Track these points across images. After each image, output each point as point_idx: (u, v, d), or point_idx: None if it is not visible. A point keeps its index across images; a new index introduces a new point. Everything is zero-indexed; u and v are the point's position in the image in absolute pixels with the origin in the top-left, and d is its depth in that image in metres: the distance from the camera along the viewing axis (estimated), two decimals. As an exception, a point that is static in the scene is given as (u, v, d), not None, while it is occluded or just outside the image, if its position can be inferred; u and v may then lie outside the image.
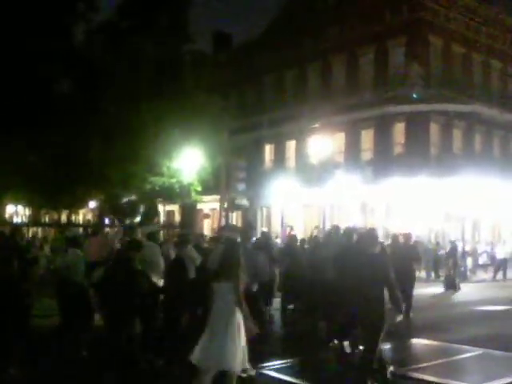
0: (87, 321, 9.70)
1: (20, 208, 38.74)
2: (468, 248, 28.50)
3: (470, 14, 34.74)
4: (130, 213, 12.70)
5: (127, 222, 13.66)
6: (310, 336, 11.25)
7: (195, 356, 7.17)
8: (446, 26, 33.34)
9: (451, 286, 22.04)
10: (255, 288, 9.37)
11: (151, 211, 15.66)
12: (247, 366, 7.53)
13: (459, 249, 25.03)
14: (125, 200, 14.22)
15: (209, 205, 36.47)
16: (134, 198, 15.52)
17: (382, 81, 33.16)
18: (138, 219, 13.66)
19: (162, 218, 29.13)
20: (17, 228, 12.93)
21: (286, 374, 8.95)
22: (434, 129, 32.32)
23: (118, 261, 8.85)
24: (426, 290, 20.60)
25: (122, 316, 8.27)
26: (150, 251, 10.02)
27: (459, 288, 22.07)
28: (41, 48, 22.20)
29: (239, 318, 7.27)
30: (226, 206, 29.17)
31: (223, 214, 29.21)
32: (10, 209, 38.00)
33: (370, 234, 9.00)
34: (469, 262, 27.67)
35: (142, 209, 12.75)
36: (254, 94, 41.43)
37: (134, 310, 8.51)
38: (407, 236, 14.88)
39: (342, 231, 12.02)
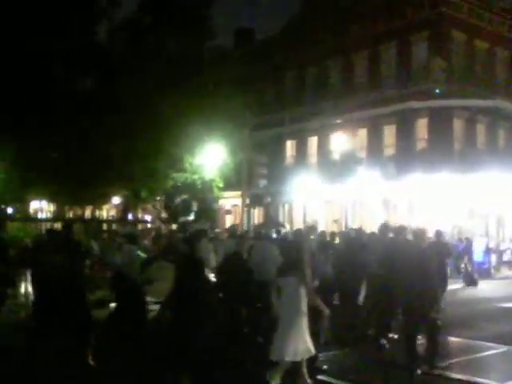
0: (140, 315, 9.99)
1: (44, 204, 39.16)
2: (492, 244, 28.24)
3: (492, 8, 34.40)
4: (184, 211, 13.00)
5: (181, 220, 14.04)
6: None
7: (274, 353, 7.68)
8: (468, 21, 33.01)
9: (471, 282, 21.93)
10: (315, 284, 9.47)
11: (203, 210, 16.09)
12: (313, 352, 7.92)
13: (484, 245, 24.83)
14: (178, 199, 14.70)
15: (230, 201, 36.54)
16: (186, 197, 16.00)
17: (404, 76, 32.94)
18: (191, 217, 14.14)
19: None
20: (71, 224, 13.31)
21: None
22: (457, 124, 32.06)
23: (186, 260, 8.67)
24: (448, 286, 20.45)
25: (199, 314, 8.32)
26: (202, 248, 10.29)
27: (476, 284, 21.94)
28: (64, 46, 22.43)
29: (305, 309, 7.74)
30: (247, 201, 29.26)
31: (245, 209, 29.31)
32: (34, 205, 38.44)
33: (422, 231, 9.71)
34: (493, 258, 27.41)
35: (195, 207, 13.08)
36: (275, 90, 41.40)
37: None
38: (439, 233, 14.78)
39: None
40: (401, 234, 10.91)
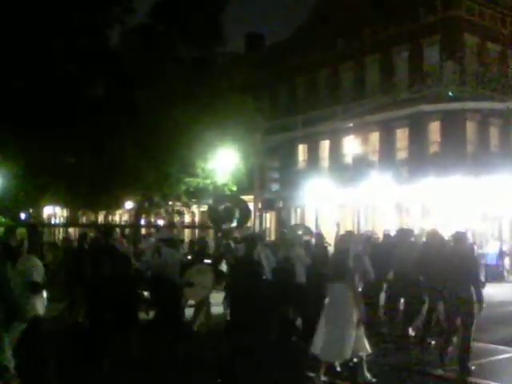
0: (178, 317, 10.61)
1: (57, 209, 39.42)
2: (505, 248, 28.10)
3: (505, 11, 34.30)
4: (227, 218, 13.18)
5: (224, 226, 14.26)
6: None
7: (317, 348, 8.27)
8: (480, 24, 32.96)
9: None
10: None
11: (244, 216, 16.33)
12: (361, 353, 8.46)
13: (497, 248, 24.73)
14: (221, 207, 14.99)
15: (243, 205, 36.57)
16: (229, 204, 16.26)
17: (416, 79, 32.88)
18: (234, 224, 14.48)
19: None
20: (111, 229, 13.69)
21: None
22: (470, 127, 31.95)
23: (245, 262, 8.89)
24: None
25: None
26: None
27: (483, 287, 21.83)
28: (77, 50, 22.62)
29: (354, 313, 8.21)
30: (260, 206, 29.29)
31: (257, 214, 29.34)
32: (47, 210, 38.68)
33: (464, 234, 10.01)
34: (506, 261, 27.27)
35: (237, 214, 13.27)
36: (286, 94, 41.49)
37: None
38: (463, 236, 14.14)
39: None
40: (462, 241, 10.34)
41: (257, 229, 28.49)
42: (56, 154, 24.03)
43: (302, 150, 40.12)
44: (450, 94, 30.72)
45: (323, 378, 8.36)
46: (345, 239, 10.49)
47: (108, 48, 24.82)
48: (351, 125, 34.11)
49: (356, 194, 30.13)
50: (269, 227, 35.63)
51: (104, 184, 24.91)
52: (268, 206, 31.10)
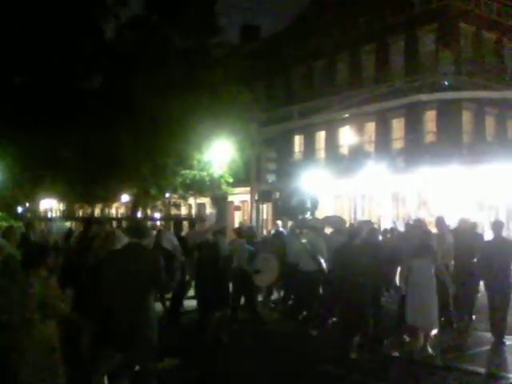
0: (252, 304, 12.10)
1: (54, 203, 39.34)
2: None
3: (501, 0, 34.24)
4: (300, 210, 13.72)
5: (300, 217, 14.90)
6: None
7: (413, 319, 9.38)
8: (476, 12, 32.89)
9: None
10: None
11: (313, 207, 16.87)
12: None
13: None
14: (294, 199, 15.42)
15: (239, 197, 36.59)
16: (301, 198, 16.59)
17: (412, 69, 32.86)
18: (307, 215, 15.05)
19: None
20: (155, 224, 14.26)
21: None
22: (466, 116, 31.96)
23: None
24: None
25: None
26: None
27: None
28: (71, 43, 22.53)
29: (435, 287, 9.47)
30: (256, 197, 29.25)
31: (254, 205, 29.31)
32: (44, 204, 38.60)
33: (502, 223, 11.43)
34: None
35: (308, 205, 13.74)
36: (282, 85, 41.41)
37: None
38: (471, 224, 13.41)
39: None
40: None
41: (254, 220, 28.49)
42: (51, 146, 23.97)
43: (298, 141, 40.11)
44: (446, 83, 30.68)
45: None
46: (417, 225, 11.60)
47: (102, 40, 24.71)
48: (347, 115, 34.01)
49: (352, 184, 30.15)
50: (265, 218, 35.61)
51: (100, 177, 24.88)
52: (265, 197, 31.02)
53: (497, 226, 11.09)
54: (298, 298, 12.68)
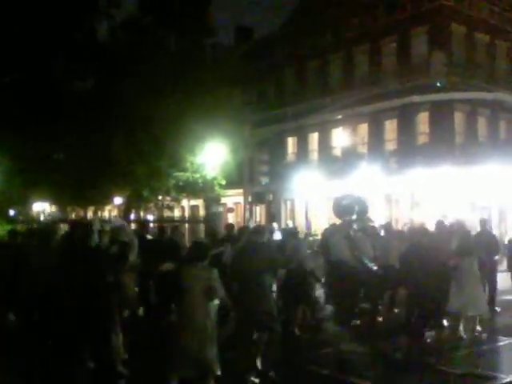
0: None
1: (46, 206, 39.24)
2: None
3: (492, 1, 34.31)
4: (348, 212, 14.26)
5: (347, 218, 15.55)
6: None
7: (455, 307, 10.68)
8: (468, 14, 32.93)
9: None
10: None
11: (361, 210, 17.39)
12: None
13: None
14: (343, 203, 15.92)
15: (232, 199, 36.56)
16: (350, 201, 16.93)
17: (404, 70, 32.88)
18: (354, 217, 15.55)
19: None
20: (176, 227, 14.16)
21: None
22: (459, 117, 32.01)
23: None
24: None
25: None
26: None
27: None
28: (64, 45, 22.48)
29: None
30: (250, 199, 29.24)
31: (247, 207, 29.29)
32: (36, 207, 38.49)
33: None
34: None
35: (356, 208, 14.17)
36: (275, 86, 41.39)
37: None
38: (484, 222, 14.82)
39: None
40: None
41: (246, 222, 28.46)
42: (44, 149, 23.90)
43: (291, 143, 40.10)
44: (438, 84, 30.73)
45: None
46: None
47: (96, 41, 24.66)
48: (340, 117, 34.09)
49: (345, 185, 30.08)
50: (259, 220, 35.59)
51: (92, 179, 24.81)
52: (258, 199, 31.01)
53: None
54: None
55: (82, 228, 8.75)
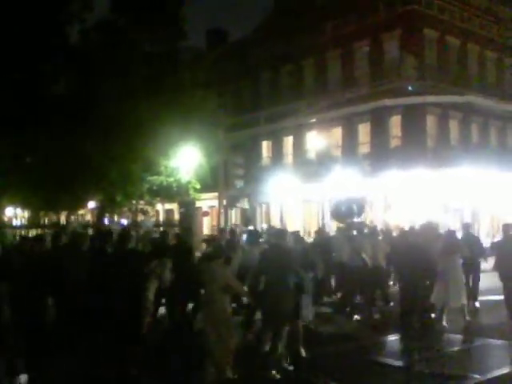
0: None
1: (19, 210, 38.79)
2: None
3: (463, 5, 34.75)
4: (349, 214, 14.69)
5: (348, 220, 16.12)
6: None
7: (438, 299, 11.94)
8: (440, 18, 33.32)
9: None
10: None
11: (359, 211, 17.84)
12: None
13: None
14: (344, 205, 16.35)
15: (207, 202, 36.51)
16: (349, 204, 17.35)
17: (377, 74, 33.16)
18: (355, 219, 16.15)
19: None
20: (188, 229, 14.40)
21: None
22: (431, 121, 32.35)
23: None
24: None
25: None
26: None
27: None
28: (36, 47, 22.24)
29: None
30: (224, 203, 29.22)
31: (222, 211, 29.27)
32: (8, 212, 38.02)
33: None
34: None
35: (355, 209, 14.69)
36: (249, 90, 41.44)
37: None
38: (467, 226, 15.90)
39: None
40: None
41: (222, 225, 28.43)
42: (16, 153, 23.62)
43: (265, 146, 40.18)
44: (410, 88, 31.04)
45: None
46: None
47: (68, 44, 24.44)
48: (314, 120, 34.25)
49: (320, 188, 30.26)
50: (234, 223, 35.57)
51: (65, 183, 24.55)
52: (233, 202, 31.01)
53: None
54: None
55: (122, 232, 9.49)
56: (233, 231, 16.23)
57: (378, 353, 10.23)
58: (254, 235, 13.81)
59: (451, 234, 13.02)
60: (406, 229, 14.86)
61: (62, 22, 24.01)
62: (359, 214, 17.59)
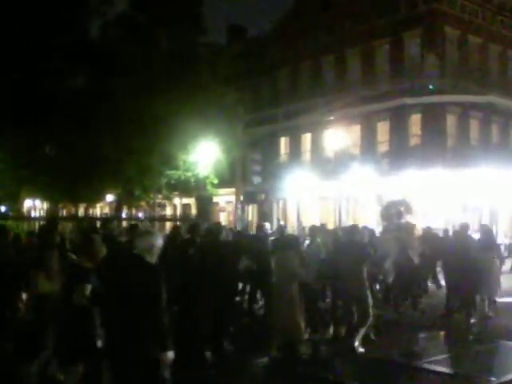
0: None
1: (38, 202, 39.10)
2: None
3: (485, 4, 34.43)
4: (397, 216, 15.40)
5: (396, 221, 16.81)
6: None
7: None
8: (461, 17, 33.05)
9: None
10: None
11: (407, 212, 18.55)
12: None
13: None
14: (393, 206, 17.01)
15: (224, 198, 36.56)
16: (397, 205, 18.04)
17: (397, 72, 32.98)
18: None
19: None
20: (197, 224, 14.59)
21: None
22: (451, 120, 32.13)
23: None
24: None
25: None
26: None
27: None
28: (55, 41, 22.38)
29: None
30: (241, 198, 29.25)
31: (239, 206, 29.31)
32: (28, 203, 38.35)
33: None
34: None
35: (403, 211, 15.54)
36: (268, 86, 41.38)
37: None
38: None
39: None
40: None
41: (239, 222, 28.47)
42: (35, 146, 23.82)
43: (283, 143, 40.14)
44: (431, 87, 30.83)
45: None
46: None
47: (88, 39, 24.56)
48: (333, 118, 34.13)
49: (337, 186, 30.17)
50: (251, 220, 35.62)
51: (84, 176, 24.71)
52: (250, 198, 31.04)
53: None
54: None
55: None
56: (281, 227, 16.65)
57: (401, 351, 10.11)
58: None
59: (488, 231, 13.64)
60: (457, 229, 15.38)
61: (81, 15, 24.15)
62: (406, 216, 18.46)
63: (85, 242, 6.92)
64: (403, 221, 17.50)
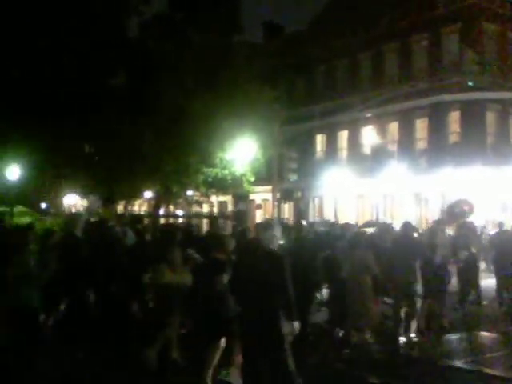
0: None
1: (78, 199, 39.70)
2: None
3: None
4: (461, 215, 15.86)
5: (460, 219, 17.31)
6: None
7: None
8: (500, 12, 32.58)
9: None
10: None
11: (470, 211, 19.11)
12: None
13: None
14: (457, 206, 17.67)
15: (261, 195, 36.66)
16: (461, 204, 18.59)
17: (435, 69, 32.67)
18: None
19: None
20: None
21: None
22: (490, 117, 31.72)
23: None
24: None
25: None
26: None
27: None
28: (95, 40, 22.75)
29: None
30: (278, 196, 29.29)
31: (275, 204, 29.35)
32: (67, 200, 38.97)
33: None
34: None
35: (466, 210, 16.04)
36: (305, 84, 41.36)
37: None
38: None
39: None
40: None
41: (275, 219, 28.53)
42: (75, 143, 24.21)
43: (320, 140, 40.07)
44: (470, 83, 30.45)
45: None
46: None
47: (126, 37, 24.89)
48: (370, 115, 33.93)
49: (375, 184, 30.06)
50: (287, 217, 35.66)
51: (123, 173, 25.03)
52: (286, 196, 31.12)
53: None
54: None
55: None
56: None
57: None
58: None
59: None
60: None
61: (119, 15, 24.50)
62: (469, 214, 18.97)
63: (216, 238, 8.92)
64: (467, 220, 17.78)
